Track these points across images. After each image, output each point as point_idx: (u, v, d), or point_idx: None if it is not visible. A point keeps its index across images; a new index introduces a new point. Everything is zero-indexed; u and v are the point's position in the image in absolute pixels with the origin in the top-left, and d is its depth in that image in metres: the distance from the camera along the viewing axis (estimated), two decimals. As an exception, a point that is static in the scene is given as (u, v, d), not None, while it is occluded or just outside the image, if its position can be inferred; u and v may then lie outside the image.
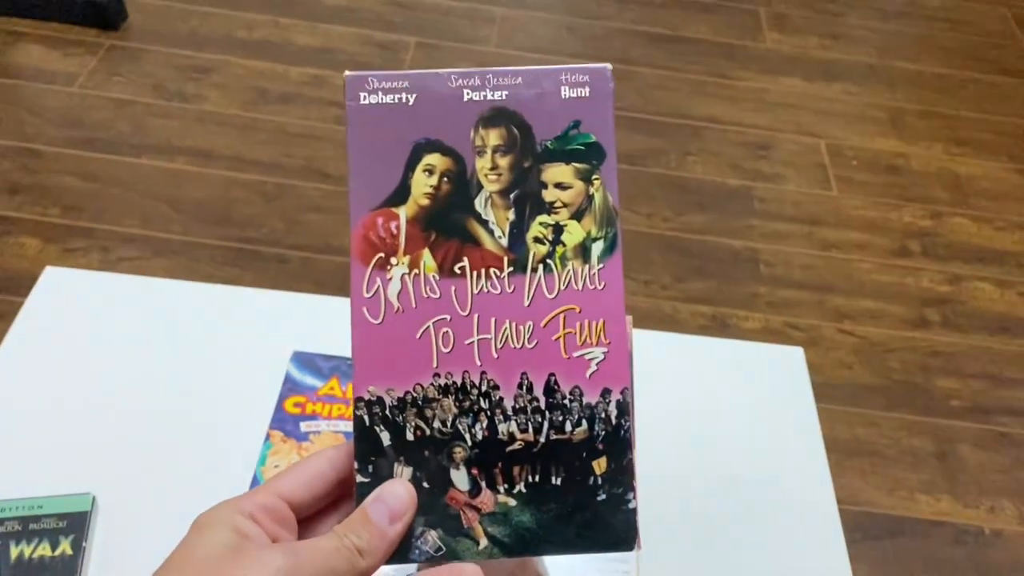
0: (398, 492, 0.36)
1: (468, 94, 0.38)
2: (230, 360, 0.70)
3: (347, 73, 0.39)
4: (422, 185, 0.38)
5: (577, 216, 0.38)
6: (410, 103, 0.38)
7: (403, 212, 0.38)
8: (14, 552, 0.60)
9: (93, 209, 1.47)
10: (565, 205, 0.38)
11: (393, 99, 0.38)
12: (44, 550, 0.61)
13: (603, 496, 0.37)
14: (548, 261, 0.38)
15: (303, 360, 0.68)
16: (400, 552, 0.36)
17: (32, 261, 1.37)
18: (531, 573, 0.47)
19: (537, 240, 0.38)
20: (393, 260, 0.38)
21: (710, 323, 1.44)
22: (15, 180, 1.50)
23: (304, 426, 0.64)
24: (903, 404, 1.36)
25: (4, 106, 1.64)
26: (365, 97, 0.38)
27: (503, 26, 1.98)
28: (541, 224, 0.38)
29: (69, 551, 0.61)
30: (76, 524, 0.62)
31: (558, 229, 0.38)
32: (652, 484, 0.70)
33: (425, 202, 0.38)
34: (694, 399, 0.76)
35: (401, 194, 0.38)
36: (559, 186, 0.38)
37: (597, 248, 0.38)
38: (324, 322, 0.73)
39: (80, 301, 0.74)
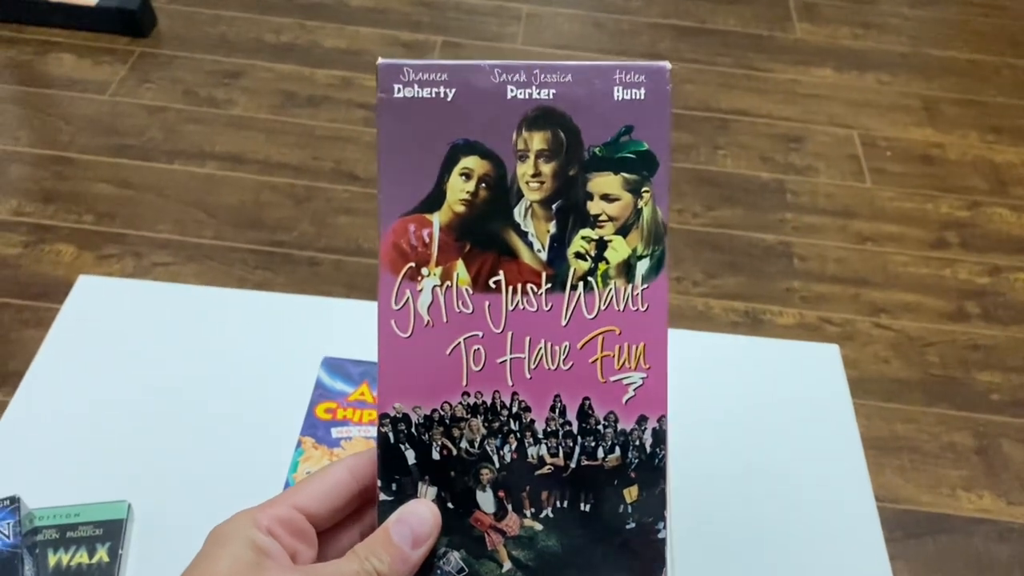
0: (422, 514, 0.35)
1: (512, 91, 0.35)
2: (261, 366, 0.71)
3: (380, 61, 0.36)
4: (458, 191, 0.35)
5: (623, 231, 0.35)
6: (448, 98, 0.35)
7: (437, 219, 0.35)
8: (52, 560, 0.61)
9: (126, 215, 1.49)
10: (611, 219, 0.35)
11: (430, 93, 0.35)
12: (81, 558, 0.61)
13: (632, 524, 0.36)
14: (589, 279, 0.35)
15: (333, 366, 0.68)
16: (421, 573, 0.35)
17: (68, 268, 1.39)
18: None
19: (579, 256, 0.35)
20: (424, 271, 0.35)
21: (743, 319, 1.42)
22: (50, 188, 1.52)
23: (335, 432, 0.64)
24: (942, 399, 1.34)
25: (38, 115, 1.67)
26: (399, 90, 0.35)
27: (529, 23, 1.97)
28: (584, 238, 0.35)
29: (106, 558, 0.61)
30: (112, 531, 0.62)
31: (602, 244, 0.35)
32: (687, 483, 0.70)
33: (461, 209, 0.35)
34: (728, 398, 0.75)
35: (435, 199, 0.35)
36: (606, 198, 0.35)
37: (642, 267, 0.35)
38: (354, 326, 0.73)
39: (113, 308, 0.75)
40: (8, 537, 0.60)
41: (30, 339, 1.27)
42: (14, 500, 0.61)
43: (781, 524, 0.67)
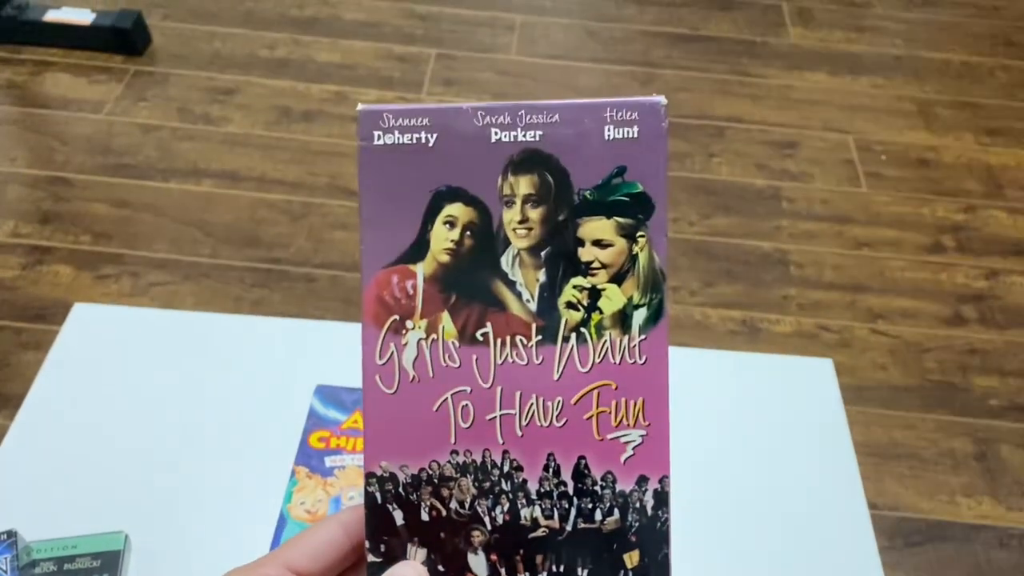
0: (409, 566, 0.34)
1: (496, 134, 0.34)
2: (256, 395, 0.71)
3: (360, 107, 0.35)
4: (442, 240, 0.34)
5: (617, 279, 0.34)
6: (430, 144, 0.34)
7: (420, 270, 0.35)
8: (50, 594, 0.61)
9: (123, 235, 1.49)
10: (604, 266, 0.34)
11: (411, 139, 0.34)
12: (79, 590, 0.62)
13: None
14: (582, 330, 0.34)
15: (326, 394, 0.69)
16: None
17: (66, 289, 1.39)
18: None
19: (570, 306, 0.34)
20: (409, 323, 0.35)
21: (740, 328, 1.42)
22: (47, 209, 1.53)
23: (329, 461, 0.65)
24: (941, 405, 1.34)
25: (34, 135, 1.67)
26: (379, 137, 0.35)
27: (523, 33, 1.98)
28: (575, 287, 0.34)
29: (103, 591, 0.61)
30: (110, 563, 0.63)
31: (595, 293, 0.34)
32: (681, 499, 0.70)
33: (445, 259, 0.34)
34: (723, 413, 0.75)
35: (419, 249, 0.35)
36: (598, 244, 0.34)
37: (639, 316, 0.34)
38: (348, 351, 0.73)
39: (109, 336, 0.75)
40: (6, 572, 0.61)
41: (29, 362, 1.27)
42: (11, 534, 0.62)
43: (775, 536, 0.67)
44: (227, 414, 0.70)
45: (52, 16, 1.81)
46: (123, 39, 1.80)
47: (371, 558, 0.35)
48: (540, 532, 0.34)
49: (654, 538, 0.34)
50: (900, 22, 2.09)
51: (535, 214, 0.34)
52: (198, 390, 0.71)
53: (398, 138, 0.35)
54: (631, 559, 0.34)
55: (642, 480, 0.34)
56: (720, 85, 1.88)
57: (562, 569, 0.34)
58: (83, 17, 1.81)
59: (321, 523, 0.36)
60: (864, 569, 0.68)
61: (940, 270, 1.54)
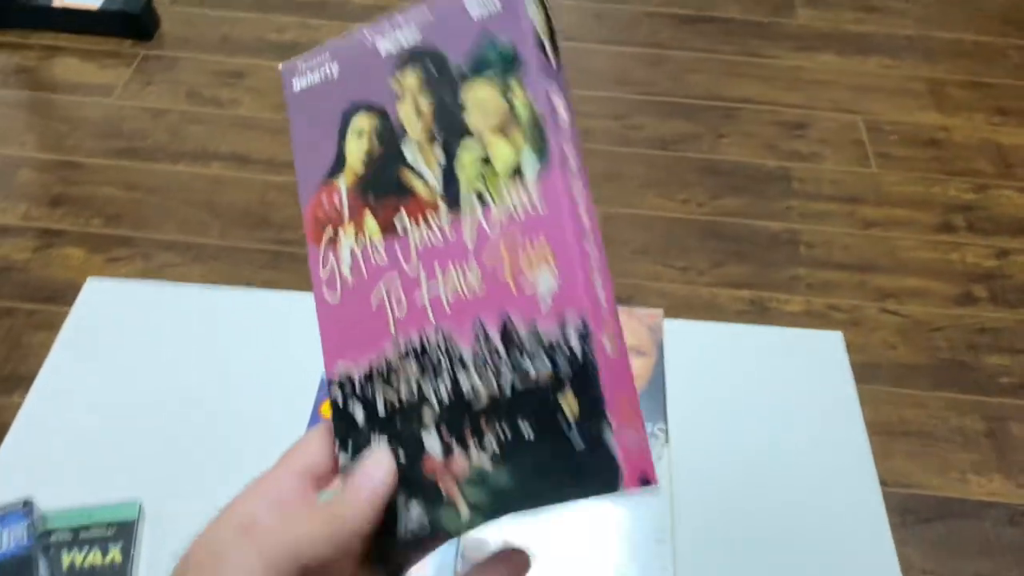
0: (379, 458, 0.36)
1: (385, 46, 0.38)
2: (268, 365, 0.71)
3: (280, 65, 0.40)
4: (355, 151, 0.38)
5: (503, 132, 0.35)
6: (334, 75, 0.39)
7: (342, 182, 0.38)
8: (66, 561, 0.62)
9: (134, 218, 1.50)
10: (489, 125, 0.36)
11: (319, 76, 0.39)
12: (95, 558, 0.62)
13: (579, 440, 0.33)
14: (483, 193, 0.35)
15: (338, 364, 0.69)
16: (388, 523, 0.36)
17: (77, 271, 1.40)
18: None
19: (467, 172, 0.36)
20: (341, 232, 0.38)
21: (750, 308, 1.42)
22: (58, 192, 1.54)
23: (341, 429, 0.65)
24: (951, 383, 1.34)
25: (45, 120, 1.68)
26: (296, 83, 0.39)
27: (531, 16, 1.97)
28: (467, 151, 0.36)
29: (119, 558, 0.62)
30: (124, 532, 0.63)
31: (486, 153, 0.35)
32: (693, 473, 0.70)
33: (360, 166, 0.38)
34: (734, 386, 0.75)
35: (338, 165, 0.38)
36: (480, 106, 0.36)
37: (530, 165, 0.35)
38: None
39: (122, 310, 0.76)
40: (23, 540, 0.61)
41: (41, 342, 1.28)
42: (27, 503, 0.62)
43: (786, 509, 0.67)
44: (239, 385, 0.70)
45: (61, 1, 1.81)
46: (132, 23, 1.81)
47: (342, 460, 0.37)
48: (483, 401, 0.35)
49: (586, 377, 0.33)
50: (910, 2, 2.08)
51: (424, 101, 0.37)
52: (210, 362, 0.72)
53: (311, 79, 0.39)
54: (570, 407, 0.34)
55: (564, 323, 0.34)
56: (729, 66, 1.88)
57: (510, 435, 0.34)
58: (92, 2, 1.81)
59: (311, 432, 0.38)
60: (875, 545, 0.68)
61: (950, 249, 1.53)
